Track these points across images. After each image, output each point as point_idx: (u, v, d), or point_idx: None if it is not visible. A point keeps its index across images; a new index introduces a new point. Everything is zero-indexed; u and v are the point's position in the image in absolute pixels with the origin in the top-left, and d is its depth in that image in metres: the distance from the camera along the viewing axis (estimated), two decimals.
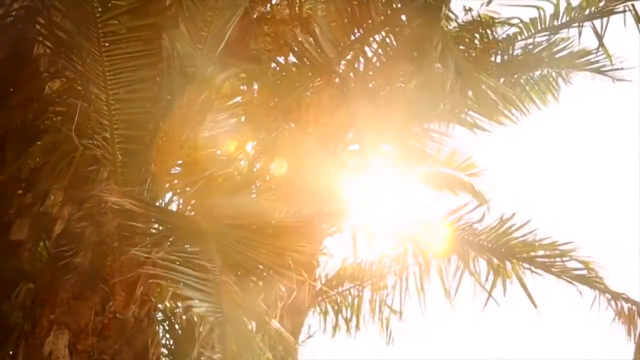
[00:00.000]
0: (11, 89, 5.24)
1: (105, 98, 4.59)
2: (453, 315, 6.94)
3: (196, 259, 3.85)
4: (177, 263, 3.78)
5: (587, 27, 6.71)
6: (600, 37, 6.55)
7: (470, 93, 6.03)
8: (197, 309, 3.62)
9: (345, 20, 5.55)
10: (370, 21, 5.54)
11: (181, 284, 3.71)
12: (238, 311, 3.67)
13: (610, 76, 7.28)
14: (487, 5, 6.99)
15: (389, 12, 5.58)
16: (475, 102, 6.11)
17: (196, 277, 3.71)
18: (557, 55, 7.17)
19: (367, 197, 5.95)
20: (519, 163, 9.92)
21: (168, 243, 4.32)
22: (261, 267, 4.33)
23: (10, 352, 4.97)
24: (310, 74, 5.80)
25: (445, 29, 5.29)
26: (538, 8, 6.95)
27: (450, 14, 6.57)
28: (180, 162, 5.30)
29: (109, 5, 4.33)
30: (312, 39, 5.66)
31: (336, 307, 7.57)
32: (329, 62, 5.67)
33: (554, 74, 7.39)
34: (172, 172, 5.30)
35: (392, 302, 7.45)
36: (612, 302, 6.67)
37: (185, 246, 4.16)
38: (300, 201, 5.46)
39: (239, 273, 4.11)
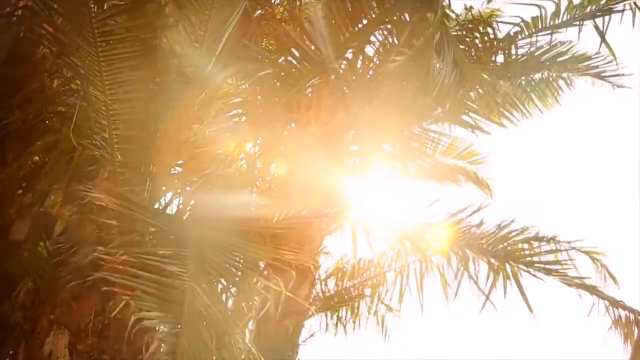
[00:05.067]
0: (11, 89, 5.24)
1: (103, 98, 4.59)
2: (452, 315, 6.91)
3: (166, 263, 3.64)
4: (140, 267, 3.57)
5: (588, 26, 6.74)
6: (602, 35, 6.54)
7: (470, 91, 6.03)
8: (149, 320, 3.38)
9: (342, 19, 5.54)
10: (367, 19, 5.53)
11: (138, 291, 3.46)
12: (200, 322, 3.46)
13: (611, 82, 7.27)
14: (488, 3, 7.02)
15: (384, 9, 5.56)
16: (474, 102, 6.09)
17: (159, 282, 3.52)
18: (558, 59, 7.16)
19: (367, 197, 5.95)
20: (520, 164, 9.90)
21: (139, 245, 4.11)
22: (242, 273, 4.21)
23: (10, 352, 4.96)
24: (309, 73, 5.79)
25: (444, 21, 5.24)
26: (539, 7, 6.94)
27: (451, 13, 6.57)
28: (180, 162, 5.28)
29: (105, 5, 4.34)
30: (311, 38, 5.65)
31: (335, 307, 7.56)
32: (328, 61, 5.66)
33: (554, 76, 7.38)
34: (172, 172, 5.28)
35: (391, 301, 7.45)
36: (610, 309, 6.61)
37: (158, 249, 3.90)
38: (301, 201, 5.46)
39: (214, 280, 3.95)
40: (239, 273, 4.22)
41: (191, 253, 3.80)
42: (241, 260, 4.26)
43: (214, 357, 3.52)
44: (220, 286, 4.60)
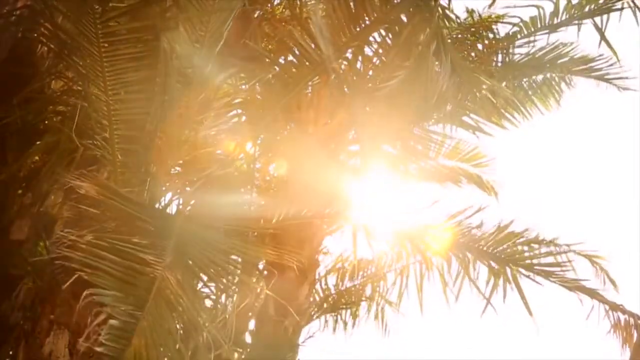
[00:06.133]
0: (12, 89, 5.23)
1: (104, 98, 4.61)
2: (453, 315, 6.91)
3: (140, 251, 3.64)
4: (108, 251, 3.57)
5: (588, 25, 6.75)
6: (602, 34, 6.56)
7: (469, 95, 6.04)
8: (101, 297, 3.37)
9: (343, 19, 5.54)
10: (367, 19, 5.54)
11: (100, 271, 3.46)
12: (167, 310, 3.47)
13: (616, 84, 7.27)
14: (490, 7, 7.05)
15: (385, 10, 5.57)
16: (474, 104, 6.10)
17: (125, 266, 3.53)
18: (559, 60, 7.17)
19: (367, 197, 5.95)
20: (521, 166, 9.90)
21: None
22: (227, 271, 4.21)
23: (10, 352, 4.96)
24: (310, 73, 5.79)
25: (441, 24, 5.25)
26: (538, 7, 6.96)
27: (451, 15, 6.59)
28: (180, 162, 5.28)
29: (108, 6, 4.35)
30: (311, 38, 5.65)
31: (337, 308, 7.56)
32: (328, 61, 5.66)
33: (556, 79, 7.39)
34: (172, 172, 5.28)
35: (390, 300, 7.45)
36: (610, 313, 6.59)
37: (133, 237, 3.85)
38: (301, 201, 5.46)
39: (194, 275, 3.98)
40: (222, 270, 4.21)
41: (172, 246, 3.80)
42: (229, 259, 4.25)
43: (178, 345, 3.56)
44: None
